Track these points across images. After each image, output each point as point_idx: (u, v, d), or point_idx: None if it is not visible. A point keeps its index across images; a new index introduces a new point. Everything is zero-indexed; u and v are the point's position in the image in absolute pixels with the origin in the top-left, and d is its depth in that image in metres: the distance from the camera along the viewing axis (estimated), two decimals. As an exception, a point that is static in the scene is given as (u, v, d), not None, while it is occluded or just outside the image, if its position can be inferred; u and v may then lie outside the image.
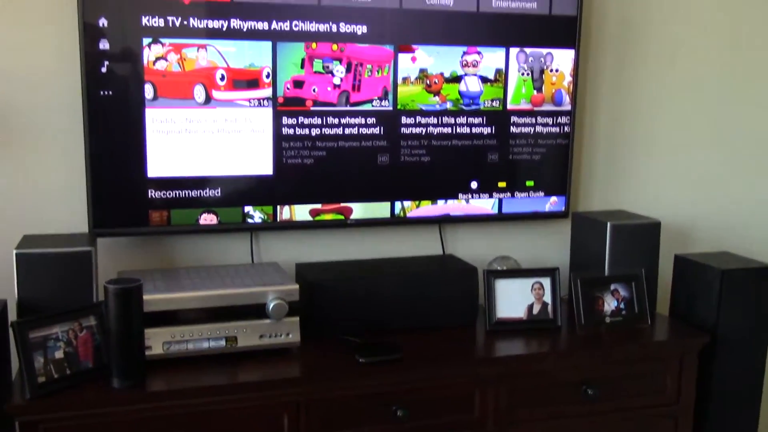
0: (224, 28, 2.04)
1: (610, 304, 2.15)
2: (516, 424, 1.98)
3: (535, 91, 2.35)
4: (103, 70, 1.96)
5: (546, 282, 2.14)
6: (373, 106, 2.20)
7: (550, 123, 2.38)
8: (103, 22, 1.94)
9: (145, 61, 1.99)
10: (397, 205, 2.28)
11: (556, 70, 2.36)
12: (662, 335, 2.16)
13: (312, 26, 2.11)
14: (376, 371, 1.85)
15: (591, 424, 2.05)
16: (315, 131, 2.16)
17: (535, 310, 2.13)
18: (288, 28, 2.09)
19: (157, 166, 2.04)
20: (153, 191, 2.05)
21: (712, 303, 2.15)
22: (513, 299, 2.12)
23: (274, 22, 2.07)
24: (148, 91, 2.00)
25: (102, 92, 1.97)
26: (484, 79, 2.29)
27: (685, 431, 2.14)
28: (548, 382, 2.00)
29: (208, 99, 2.05)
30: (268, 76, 2.09)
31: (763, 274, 2.18)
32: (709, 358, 2.15)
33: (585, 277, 2.15)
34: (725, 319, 2.14)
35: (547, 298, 2.14)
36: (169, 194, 2.07)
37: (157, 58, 2.00)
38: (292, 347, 1.92)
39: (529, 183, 2.39)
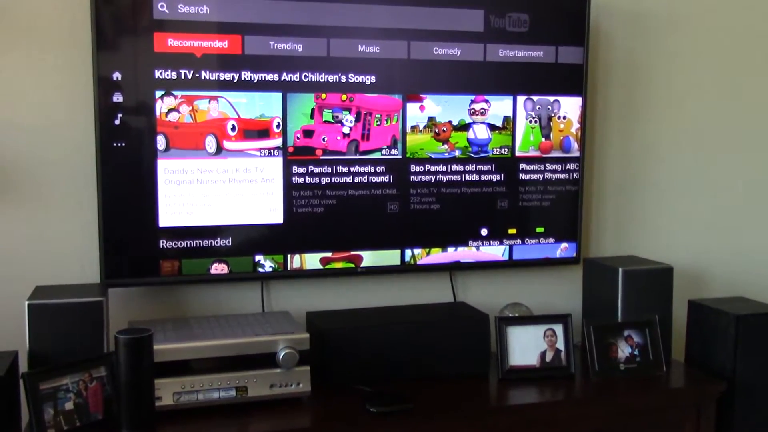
0: (235, 80, 2.07)
1: (624, 350, 2.13)
2: (531, 475, 1.94)
3: (543, 138, 2.36)
4: (117, 122, 2.00)
5: (559, 329, 2.12)
6: (382, 154, 2.22)
7: (559, 169, 2.39)
8: (117, 75, 1.98)
9: (158, 113, 2.02)
10: (408, 252, 2.28)
11: (564, 117, 2.37)
12: (678, 382, 2.13)
13: (321, 77, 2.14)
14: (387, 421, 1.83)
15: (607, 474, 2.01)
16: (325, 180, 2.18)
17: (548, 357, 2.11)
18: (298, 79, 2.12)
19: (169, 216, 2.06)
20: (164, 241, 2.06)
21: (729, 349, 2.12)
22: (526, 346, 2.11)
23: (284, 73, 2.11)
24: (161, 142, 2.03)
25: (115, 143, 2.00)
26: (492, 127, 2.31)
27: (704, 481, 2.10)
28: (563, 430, 1.96)
29: (219, 149, 2.08)
30: (278, 126, 2.12)
31: (780, 319, 2.16)
32: (727, 405, 2.11)
33: (598, 324, 2.13)
34: (742, 365, 2.11)
35: (560, 345, 2.12)
36: (180, 244, 2.08)
37: (170, 110, 2.03)
38: (302, 397, 1.90)
39: (540, 229, 2.39)
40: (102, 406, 1.73)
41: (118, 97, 1.99)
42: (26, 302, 1.77)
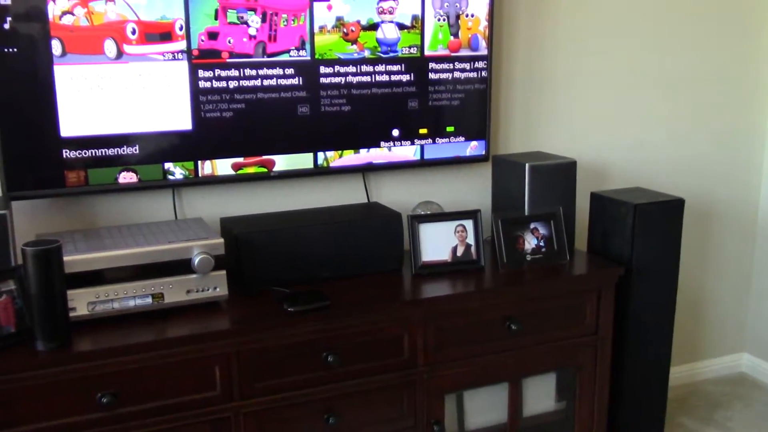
0: (132, -20, 1.98)
1: (530, 242, 2.23)
2: (444, 363, 2.04)
3: (451, 37, 2.36)
4: (6, 26, 1.89)
5: (469, 224, 2.20)
6: (290, 56, 2.18)
7: (468, 68, 2.41)
8: (2, -25, 1.86)
9: (51, 16, 1.92)
10: (320, 155, 2.28)
11: (472, 15, 2.38)
12: (581, 269, 2.25)
13: (224, -24, 2.07)
14: (305, 319, 1.88)
15: (516, 357, 2.14)
16: (233, 84, 2.14)
17: (459, 252, 2.19)
18: (199, -22, 2.04)
19: (71, 125, 1.99)
20: (68, 151, 2.00)
21: (627, 236, 2.25)
22: (437, 242, 2.17)
23: (185, -28, 2.03)
24: (56, 47, 1.94)
25: (6, 49, 1.90)
26: (401, 26, 2.29)
27: (605, 359, 2.25)
28: (474, 320, 2.07)
29: (120, 54, 2.00)
30: (181, 29, 2.05)
31: (673, 207, 2.29)
32: (625, 289, 2.25)
33: (506, 218, 2.21)
34: (639, 251, 2.24)
35: (470, 239, 2.20)
36: (86, 153, 2.02)
37: (63, 13, 1.93)
38: (220, 301, 1.92)
39: (450, 129, 2.43)
40: (14, 320, 1.71)
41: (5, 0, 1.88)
42: None
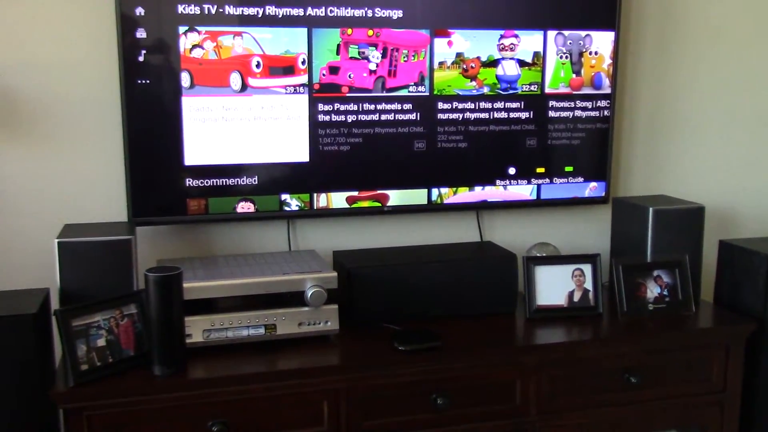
0: (260, 15, 2.02)
1: (653, 290, 2.11)
2: (558, 413, 1.95)
3: (573, 75, 2.30)
4: (140, 59, 1.97)
5: (587, 268, 2.11)
6: (409, 91, 2.18)
7: (590, 107, 2.33)
8: (139, 11, 1.94)
9: (182, 50, 1.99)
10: (434, 191, 2.25)
11: (595, 53, 2.31)
12: (707, 323, 2.12)
13: (347, 11, 2.09)
14: (415, 359, 1.84)
15: (634, 412, 2.02)
16: (351, 117, 2.15)
17: (576, 297, 2.10)
18: (323, 14, 2.07)
19: (194, 154, 2.04)
20: (190, 179, 2.06)
21: (759, 289, 2.10)
22: (553, 286, 2.09)
23: (310, 8, 2.06)
24: (185, 79, 2.00)
25: (139, 81, 1.98)
26: (522, 63, 2.25)
27: (731, 420, 2.10)
28: (590, 370, 1.97)
29: (244, 86, 2.05)
30: (303, 63, 2.08)
31: (812, 260, 2.12)
32: (756, 346, 2.09)
33: (627, 263, 2.11)
34: (772, 305, 2.09)
35: (588, 284, 2.10)
36: (207, 182, 2.07)
37: (194, 46, 1.99)
38: (330, 335, 1.91)
39: (568, 168, 2.35)
40: (133, 343, 1.75)
41: (141, 33, 1.96)
42: (56, 240, 1.78)
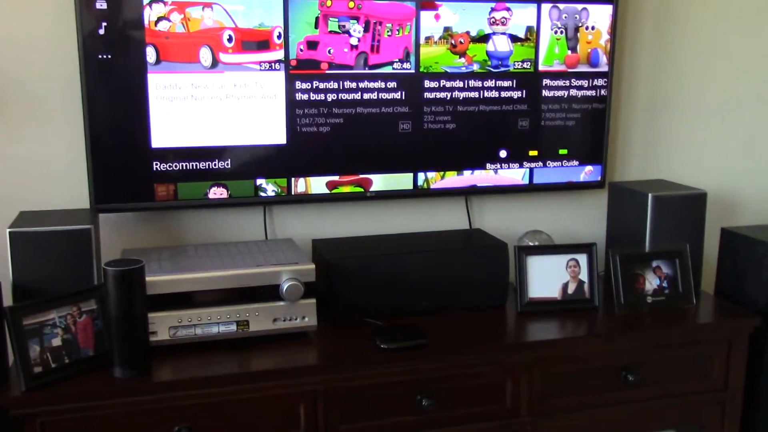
0: (231, -15, 1.87)
1: (651, 282, 1.99)
2: (551, 414, 1.83)
3: (569, 51, 2.16)
4: (101, 32, 1.81)
5: (582, 259, 1.98)
6: (393, 68, 2.03)
7: (586, 86, 2.19)
8: (99, -21, 1.79)
9: (146, 22, 1.83)
10: (420, 176, 2.11)
11: (592, 28, 2.17)
12: (709, 317, 2.00)
13: (327, -19, 1.94)
14: (399, 358, 1.71)
15: (631, 412, 1.90)
16: (331, 96, 2.00)
17: (570, 289, 1.97)
18: (301, -16, 1.92)
19: (162, 136, 1.89)
20: (158, 163, 1.91)
21: (763, 281, 1.98)
22: (546, 277, 1.97)
23: (286, -23, 1.90)
24: (150, 54, 1.85)
25: (100, 56, 1.82)
26: (514, 38, 2.11)
27: (733, 419, 1.99)
28: (585, 367, 1.85)
29: (215, 62, 1.89)
30: (279, 37, 1.93)
31: (820, 249, 2.00)
32: (759, 341, 1.98)
33: (624, 253, 1.98)
34: (777, 298, 1.97)
35: (584, 276, 1.98)
36: (176, 166, 1.92)
37: (159, 18, 1.84)
38: (308, 331, 1.78)
39: (563, 151, 2.22)
40: (93, 342, 1.61)
41: (101, 4, 1.80)
42: (7, 230, 1.63)
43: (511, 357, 1.79)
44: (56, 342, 1.56)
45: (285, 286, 1.72)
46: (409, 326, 1.81)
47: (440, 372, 1.74)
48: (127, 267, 1.54)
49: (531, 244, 2.10)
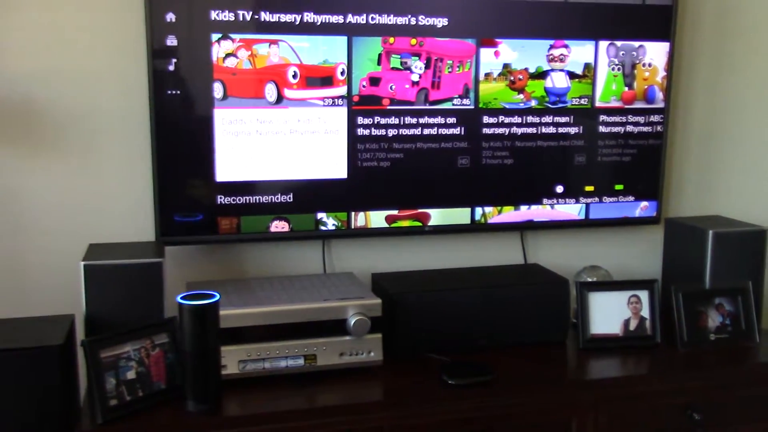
0: (297, 22, 1.90)
1: (714, 319, 1.98)
2: (617, 452, 1.82)
3: (625, 88, 2.17)
4: (171, 68, 1.84)
5: (644, 295, 1.97)
6: (453, 104, 2.05)
7: (642, 122, 2.20)
8: (170, 17, 1.82)
9: (215, 59, 1.86)
10: (478, 210, 2.12)
11: (649, 65, 2.18)
12: (773, 354, 1.99)
13: (389, 19, 1.96)
14: (465, 394, 1.71)
15: (696, 451, 1.88)
16: (392, 132, 2.02)
17: (632, 325, 1.96)
18: (364, 21, 1.95)
19: (227, 169, 1.92)
20: (222, 197, 1.93)
21: (827, 319, 1.97)
22: (608, 314, 1.96)
23: (350, 15, 1.93)
24: (218, 90, 1.88)
25: (169, 92, 1.85)
26: (572, 75, 2.12)
27: (797, 461, 1.96)
28: (650, 405, 1.83)
29: (280, 98, 1.92)
30: (342, 73, 1.95)
31: None
32: (823, 379, 1.96)
33: (687, 290, 1.97)
34: (841, 336, 1.96)
35: (645, 312, 1.97)
36: (239, 200, 1.94)
37: (227, 55, 1.87)
38: (373, 366, 1.78)
39: (618, 187, 2.22)
40: (165, 375, 1.62)
41: (171, 41, 1.83)
42: (81, 263, 1.65)
43: (578, 394, 1.78)
44: (131, 375, 1.57)
45: (352, 321, 1.73)
46: (475, 362, 1.80)
47: (507, 409, 1.73)
48: (203, 302, 1.55)
49: (590, 279, 2.09)
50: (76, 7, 1.85)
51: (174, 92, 1.86)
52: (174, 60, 1.84)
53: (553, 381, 1.80)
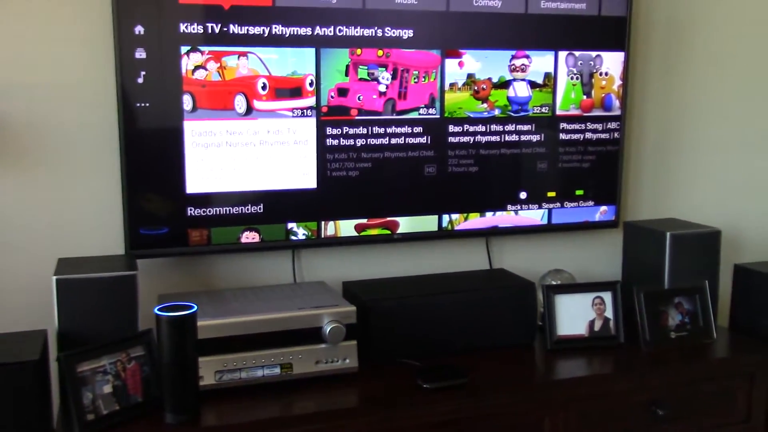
0: (266, 34, 1.92)
1: (674, 318, 2.05)
2: (587, 449, 1.87)
3: (584, 96, 2.25)
4: (140, 80, 1.84)
5: (607, 296, 2.04)
6: (419, 114, 2.09)
7: (600, 129, 2.28)
8: (139, 29, 1.82)
9: (184, 71, 1.87)
10: (445, 217, 2.16)
11: (606, 74, 2.26)
12: (731, 351, 2.07)
13: (357, 31, 2.00)
14: (440, 398, 1.74)
15: (662, 445, 1.95)
16: (360, 142, 2.05)
17: (597, 326, 2.03)
18: (332, 33, 1.98)
19: (197, 181, 1.92)
20: (192, 208, 1.93)
21: (779, 315, 2.06)
22: (573, 315, 2.02)
23: (318, 27, 1.96)
24: (187, 102, 1.88)
25: (138, 104, 1.85)
26: (533, 84, 2.19)
27: (756, 451, 2.05)
28: (618, 403, 1.89)
29: (250, 109, 1.94)
30: (311, 85, 1.98)
31: (830, 284, 2.09)
32: (776, 372, 2.05)
33: (649, 291, 2.04)
34: (793, 331, 2.05)
35: (609, 313, 2.04)
36: (209, 211, 1.95)
37: (196, 67, 1.88)
38: (349, 373, 1.80)
39: (579, 192, 2.29)
40: (141, 388, 1.61)
41: (140, 53, 1.83)
42: (54, 277, 1.64)
43: (548, 394, 1.83)
44: (107, 389, 1.56)
45: (328, 329, 1.75)
46: (448, 366, 1.84)
47: (482, 411, 1.77)
48: (181, 313, 1.56)
49: (554, 283, 2.15)
50: (44, 20, 1.83)
51: (143, 104, 1.85)
52: (143, 72, 1.84)
53: (525, 382, 1.85)
